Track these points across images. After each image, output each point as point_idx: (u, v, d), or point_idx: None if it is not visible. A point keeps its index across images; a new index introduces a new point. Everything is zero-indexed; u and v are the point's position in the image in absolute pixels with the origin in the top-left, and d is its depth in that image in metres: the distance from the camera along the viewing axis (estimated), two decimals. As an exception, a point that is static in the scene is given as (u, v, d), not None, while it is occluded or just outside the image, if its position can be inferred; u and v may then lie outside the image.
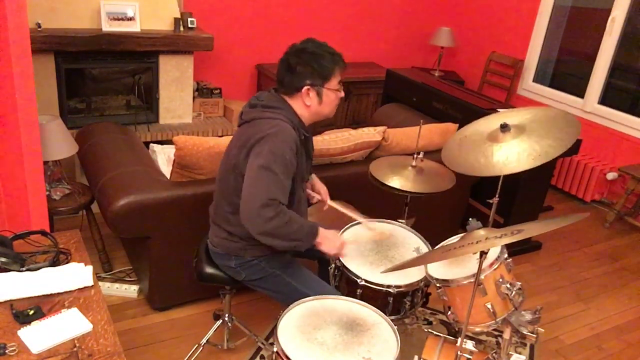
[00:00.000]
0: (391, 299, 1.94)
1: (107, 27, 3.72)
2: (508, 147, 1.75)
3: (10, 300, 1.53)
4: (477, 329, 1.82)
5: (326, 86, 1.94)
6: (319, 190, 2.26)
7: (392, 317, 1.88)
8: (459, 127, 3.06)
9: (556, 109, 1.87)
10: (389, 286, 1.93)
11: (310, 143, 2.15)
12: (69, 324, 1.47)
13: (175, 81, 4.15)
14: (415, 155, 2.32)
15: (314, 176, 2.31)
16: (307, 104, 1.95)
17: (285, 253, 2.08)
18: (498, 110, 2.89)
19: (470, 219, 1.79)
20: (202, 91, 4.47)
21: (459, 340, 1.75)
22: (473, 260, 1.84)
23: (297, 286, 2.02)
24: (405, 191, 2.24)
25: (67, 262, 1.71)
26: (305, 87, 1.92)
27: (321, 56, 1.92)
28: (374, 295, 1.94)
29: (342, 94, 2.01)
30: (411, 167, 2.31)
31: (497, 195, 2.02)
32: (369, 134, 2.80)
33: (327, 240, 1.93)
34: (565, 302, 3.15)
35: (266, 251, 2.03)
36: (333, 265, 2.07)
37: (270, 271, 2.05)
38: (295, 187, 1.96)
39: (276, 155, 1.82)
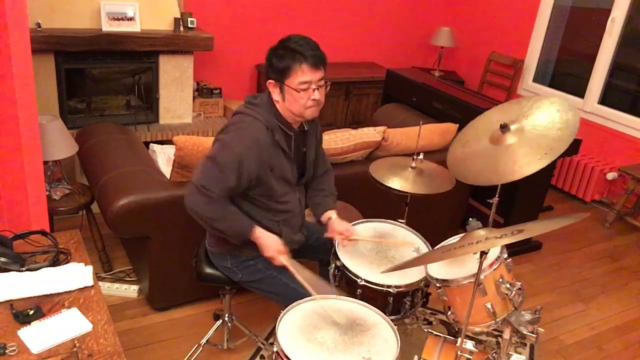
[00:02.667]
0: (391, 299, 1.94)
1: (107, 27, 3.72)
2: (513, 150, 1.74)
3: (10, 300, 1.52)
4: (477, 329, 1.82)
5: (286, 83, 1.87)
6: (338, 231, 2.09)
7: (392, 317, 1.87)
8: (459, 127, 3.06)
9: (549, 97, 1.84)
10: (389, 286, 1.93)
11: (305, 142, 2.08)
12: (69, 324, 1.47)
13: (175, 81, 4.15)
14: (415, 157, 2.32)
15: (334, 215, 2.15)
16: (276, 99, 1.93)
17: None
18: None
19: (470, 219, 1.79)
20: (202, 91, 4.47)
21: (459, 340, 1.75)
22: (473, 260, 1.84)
23: (295, 287, 2.00)
24: (405, 192, 2.24)
25: (67, 262, 1.71)
26: (269, 81, 1.92)
27: (286, 51, 1.86)
28: (374, 295, 1.93)
29: (314, 95, 1.87)
30: (411, 168, 2.31)
31: (497, 195, 2.02)
32: (369, 134, 2.80)
33: (262, 246, 1.96)
34: (565, 302, 3.15)
35: None
36: (333, 265, 2.06)
37: (267, 273, 2.04)
38: (279, 188, 1.97)
39: (226, 149, 1.86)
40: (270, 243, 1.95)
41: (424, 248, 2.17)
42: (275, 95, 1.92)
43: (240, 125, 1.90)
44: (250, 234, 1.94)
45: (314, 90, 1.87)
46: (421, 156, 2.31)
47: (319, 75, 1.87)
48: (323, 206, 2.17)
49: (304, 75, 1.84)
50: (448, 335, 2.04)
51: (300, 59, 1.83)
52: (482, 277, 1.73)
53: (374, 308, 1.78)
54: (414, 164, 2.31)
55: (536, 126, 1.77)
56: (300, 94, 1.86)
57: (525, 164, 1.68)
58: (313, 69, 1.85)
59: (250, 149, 1.85)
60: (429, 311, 2.86)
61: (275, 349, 1.58)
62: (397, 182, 2.22)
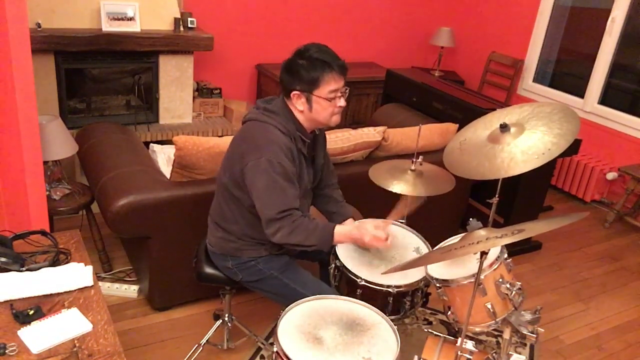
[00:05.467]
0: (391, 299, 1.94)
1: (107, 27, 3.72)
2: (510, 148, 1.75)
3: (10, 300, 1.52)
4: (477, 329, 1.82)
5: (315, 93, 1.89)
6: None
7: (392, 317, 1.88)
8: (459, 127, 3.06)
9: (552, 104, 1.85)
10: (388, 286, 1.93)
11: (315, 147, 2.10)
12: (69, 324, 1.47)
13: (175, 81, 4.15)
14: (414, 160, 2.31)
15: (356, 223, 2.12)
16: (300, 109, 1.94)
17: (282, 254, 2.08)
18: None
19: (470, 219, 1.79)
20: (202, 91, 4.47)
21: (459, 340, 1.75)
22: (473, 260, 1.84)
23: (295, 287, 2.01)
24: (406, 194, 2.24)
25: (67, 262, 1.71)
26: (294, 92, 1.92)
27: (313, 62, 1.88)
28: (374, 296, 1.93)
29: (340, 102, 1.94)
30: (410, 170, 2.30)
31: (497, 195, 2.02)
32: (369, 134, 2.80)
33: (352, 239, 1.95)
34: (565, 302, 3.15)
35: (263, 252, 2.03)
36: (333, 266, 2.06)
37: (267, 273, 2.05)
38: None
39: (273, 164, 1.83)
40: (364, 231, 1.93)
41: (424, 248, 2.17)
42: (300, 105, 1.93)
43: (269, 137, 1.88)
44: (331, 235, 1.91)
45: (339, 97, 1.93)
46: (420, 159, 2.31)
47: (343, 82, 1.93)
48: (341, 214, 2.21)
49: (334, 84, 1.90)
50: (448, 335, 2.04)
51: (329, 69, 1.88)
52: (482, 277, 1.73)
53: (374, 308, 1.78)
54: (413, 167, 2.30)
55: (537, 129, 1.76)
56: (330, 103, 1.91)
57: (522, 161, 1.68)
58: (340, 77, 1.91)
59: (287, 157, 1.88)
60: (429, 311, 2.86)
61: (275, 349, 1.58)
62: (397, 187, 2.22)
